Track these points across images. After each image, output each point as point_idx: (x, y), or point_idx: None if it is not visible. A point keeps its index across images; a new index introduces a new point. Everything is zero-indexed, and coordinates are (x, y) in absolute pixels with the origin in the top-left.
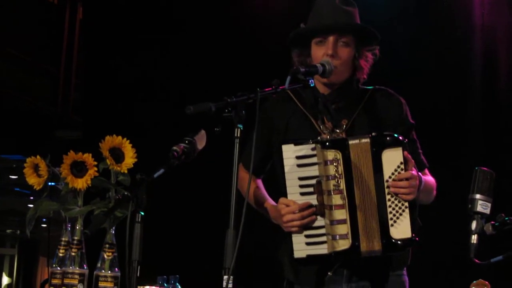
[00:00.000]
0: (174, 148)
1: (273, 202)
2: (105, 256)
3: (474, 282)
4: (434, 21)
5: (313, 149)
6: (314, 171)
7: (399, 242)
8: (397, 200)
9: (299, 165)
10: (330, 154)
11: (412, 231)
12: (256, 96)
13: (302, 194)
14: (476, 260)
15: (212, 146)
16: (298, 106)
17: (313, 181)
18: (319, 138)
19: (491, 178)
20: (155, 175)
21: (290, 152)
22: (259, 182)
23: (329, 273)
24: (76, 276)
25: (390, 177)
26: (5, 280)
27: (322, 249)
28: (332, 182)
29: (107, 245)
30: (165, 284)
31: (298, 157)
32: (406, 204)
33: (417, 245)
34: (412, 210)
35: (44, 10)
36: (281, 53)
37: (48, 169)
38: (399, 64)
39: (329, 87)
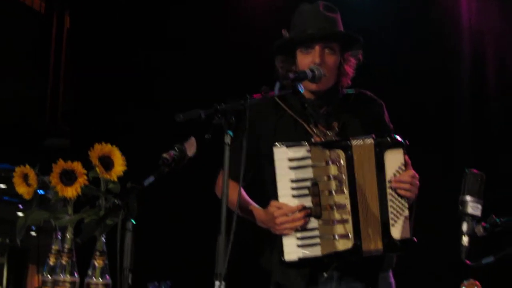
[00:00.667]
0: (164, 155)
1: (257, 206)
2: (96, 264)
3: (465, 282)
4: (422, 25)
5: (308, 151)
6: (307, 173)
7: (399, 242)
8: (398, 200)
9: (291, 168)
10: (333, 154)
11: (411, 231)
12: (246, 103)
13: (295, 196)
14: (467, 261)
15: (202, 153)
16: (286, 111)
17: (306, 183)
18: (313, 140)
19: (481, 180)
20: (145, 183)
21: (282, 155)
22: (240, 188)
23: (324, 274)
24: (67, 284)
25: (392, 177)
26: None
27: (315, 251)
28: (334, 182)
29: (97, 253)
30: None
31: (290, 160)
32: (406, 205)
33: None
34: (411, 211)
35: (31, 19)
36: (270, 60)
37: (38, 178)
38: (387, 67)
39: (315, 93)
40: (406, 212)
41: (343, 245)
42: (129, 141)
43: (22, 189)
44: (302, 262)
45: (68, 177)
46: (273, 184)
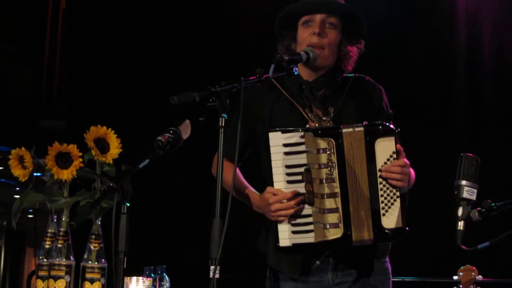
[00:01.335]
0: (159, 138)
1: (254, 190)
2: (92, 247)
3: (462, 267)
4: (418, 5)
5: (302, 136)
6: (302, 159)
7: (390, 231)
8: (389, 189)
9: (286, 153)
10: (323, 143)
11: (403, 221)
12: (240, 85)
13: (289, 182)
14: (463, 247)
15: (196, 136)
16: (282, 93)
17: (301, 169)
18: (307, 126)
19: (476, 164)
20: (140, 166)
21: (277, 140)
22: (238, 171)
23: (317, 262)
24: (63, 268)
25: (382, 166)
26: None
27: (309, 238)
28: (325, 171)
29: (93, 236)
30: (152, 275)
31: (285, 145)
32: (398, 194)
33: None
34: (403, 200)
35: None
36: (265, 42)
37: (33, 161)
38: (382, 48)
39: (314, 71)
40: (398, 201)
41: (333, 234)
42: (124, 123)
43: (18, 172)
44: (296, 248)
45: (63, 160)
46: (268, 169)
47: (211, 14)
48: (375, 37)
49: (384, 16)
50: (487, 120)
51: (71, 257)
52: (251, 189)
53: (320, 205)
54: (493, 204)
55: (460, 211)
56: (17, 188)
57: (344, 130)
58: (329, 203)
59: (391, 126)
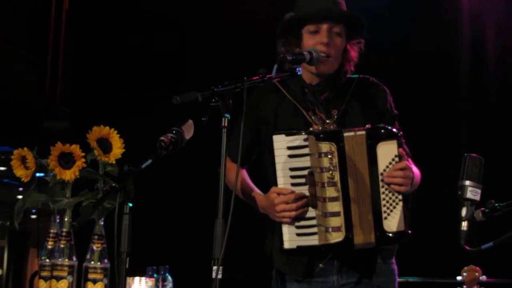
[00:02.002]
0: (162, 138)
1: (259, 192)
2: (94, 248)
3: (465, 268)
4: (421, 5)
5: (305, 139)
6: (306, 162)
7: (392, 235)
8: (391, 193)
9: (290, 156)
10: (325, 146)
11: (405, 224)
12: (243, 85)
13: (294, 184)
14: (467, 247)
15: (199, 136)
16: (286, 96)
17: (305, 172)
18: (311, 129)
19: (480, 164)
20: (143, 166)
21: (281, 143)
22: (244, 172)
23: (320, 265)
24: (66, 268)
25: (384, 170)
26: None
27: (313, 240)
28: (326, 175)
29: (96, 237)
30: (155, 275)
31: (289, 148)
32: (400, 197)
33: (410, 237)
34: (406, 203)
35: (29, 1)
36: (268, 42)
37: (36, 161)
38: (386, 49)
39: (318, 77)
40: (400, 205)
41: (335, 237)
42: (128, 123)
43: (20, 172)
44: (301, 250)
45: (66, 160)
46: (273, 172)
47: (214, 14)
48: (377, 38)
49: (387, 17)
50: (491, 121)
51: (74, 257)
52: (256, 191)
53: (322, 209)
54: (496, 205)
55: (463, 212)
56: (20, 189)
57: (345, 134)
58: (331, 207)
59: (393, 129)
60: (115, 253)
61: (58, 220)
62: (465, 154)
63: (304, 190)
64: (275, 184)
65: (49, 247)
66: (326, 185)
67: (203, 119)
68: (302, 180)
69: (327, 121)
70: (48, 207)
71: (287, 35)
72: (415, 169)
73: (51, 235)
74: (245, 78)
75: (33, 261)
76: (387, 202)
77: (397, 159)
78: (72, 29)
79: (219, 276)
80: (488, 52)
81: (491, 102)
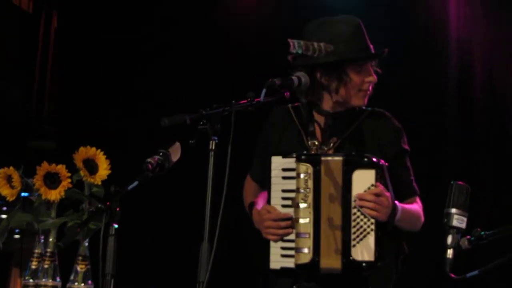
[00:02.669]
0: (148, 160)
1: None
2: (79, 269)
3: None
4: (410, 33)
5: (295, 162)
6: (293, 184)
7: (359, 263)
8: (363, 221)
9: (284, 177)
10: (302, 167)
11: (375, 254)
12: (231, 109)
13: (284, 206)
14: (452, 275)
15: (186, 159)
16: (293, 121)
17: (292, 194)
18: (303, 152)
19: (467, 192)
20: (129, 188)
21: (278, 164)
22: (265, 193)
23: (294, 287)
24: None
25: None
26: None
27: (292, 263)
28: (301, 196)
29: (80, 258)
30: None
31: (284, 170)
32: (373, 226)
33: (376, 269)
34: (379, 232)
35: (19, 19)
36: (259, 64)
37: (21, 180)
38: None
39: (340, 106)
40: (372, 234)
41: (302, 258)
42: (114, 144)
43: (5, 191)
44: (284, 271)
45: (52, 180)
46: (269, 191)
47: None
48: None
49: (374, 39)
50: (478, 149)
51: (58, 278)
52: (258, 206)
53: (296, 229)
54: (482, 233)
55: (449, 239)
56: (4, 208)
57: (323, 158)
58: (303, 228)
59: (373, 159)
60: (100, 275)
61: (42, 240)
62: (452, 182)
63: (291, 212)
64: (269, 203)
65: (33, 267)
66: (300, 205)
67: (190, 141)
68: (290, 202)
69: (324, 147)
70: (32, 227)
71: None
72: (416, 207)
73: (35, 255)
74: (233, 101)
75: (15, 282)
76: (358, 230)
77: (373, 188)
78: (60, 48)
79: None
80: (476, 79)
81: (479, 131)
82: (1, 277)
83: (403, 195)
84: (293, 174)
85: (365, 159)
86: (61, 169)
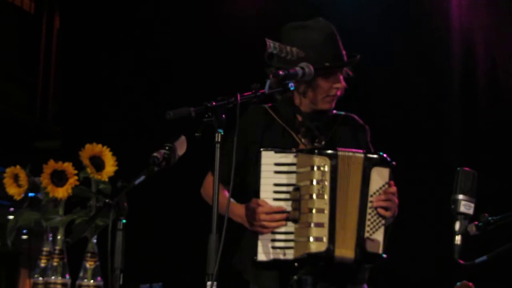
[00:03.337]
0: (155, 154)
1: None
2: (87, 265)
3: (458, 284)
4: (412, 23)
5: (295, 156)
6: (291, 179)
7: (370, 255)
8: (376, 215)
9: (276, 172)
10: (318, 160)
11: (383, 248)
12: (236, 101)
13: (275, 199)
14: (461, 261)
15: (192, 151)
16: (275, 120)
17: (288, 188)
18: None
19: (473, 178)
20: (136, 182)
21: (269, 159)
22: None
23: (294, 277)
24: (59, 286)
25: (374, 193)
26: None
27: (288, 255)
28: (317, 187)
29: (89, 254)
30: None
31: (276, 164)
32: (383, 222)
33: (383, 262)
34: (386, 229)
35: (21, 19)
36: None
37: (28, 179)
38: (378, 66)
39: (316, 113)
40: (382, 229)
41: (316, 247)
42: (120, 140)
43: (13, 190)
44: (273, 263)
45: (59, 178)
46: (255, 186)
47: (209, 29)
48: (368, 56)
49: (378, 35)
50: (483, 136)
51: (67, 275)
52: (233, 201)
53: (307, 219)
54: (490, 218)
55: (457, 226)
56: (11, 209)
57: (340, 153)
58: (317, 218)
59: (388, 158)
60: (108, 270)
61: (51, 238)
62: (458, 168)
63: (285, 205)
64: (257, 197)
65: (42, 265)
66: (315, 196)
67: (196, 134)
68: (284, 196)
69: (316, 144)
70: (39, 227)
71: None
72: None
73: (44, 253)
74: (238, 93)
75: (24, 282)
76: (372, 223)
77: (387, 186)
78: (63, 48)
79: None
80: (479, 68)
81: (483, 118)
82: (10, 277)
83: None
84: (289, 168)
85: (381, 157)
86: (68, 166)
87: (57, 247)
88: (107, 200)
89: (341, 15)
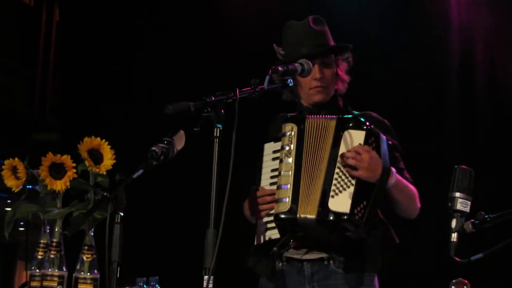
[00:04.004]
0: (153, 148)
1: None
2: (84, 258)
3: (454, 281)
4: (411, 21)
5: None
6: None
7: (334, 214)
8: (344, 176)
9: (274, 159)
10: (288, 127)
11: (351, 207)
12: (235, 96)
13: (271, 184)
14: (456, 258)
15: (191, 146)
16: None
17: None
18: None
19: (470, 176)
20: (134, 176)
21: (269, 149)
22: None
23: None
24: (55, 278)
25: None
26: None
27: (276, 234)
28: (284, 152)
29: (86, 247)
30: (145, 286)
31: (274, 151)
32: (353, 181)
33: (354, 225)
34: (360, 189)
35: (20, 12)
36: (260, 52)
37: (27, 171)
38: (376, 64)
39: (316, 105)
40: (352, 188)
41: (281, 208)
42: (118, 134)
43: (11, 182)
44: (267, 244)
45: (57, 170)
46: (259, 177)
47: (209, 23)
48: (367, 56)
49: (377, 33)
50: (481, 135)
51: (64, 267)
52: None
53: (278, 182)
54: (486, 216)
55: (453, 223)
56: (9, 201)
57: (309, 119)
58: (282, 180)
59: (367, 123)
60: (106, 263)
61: (48, 231)
62: (455, 166)
63: None
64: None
65: (39, 257)
66: (283, 160)
67: (195, 129)
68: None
69: None
70: (36, 219)
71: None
72: (411, 186)
73: (41, 245)
74: (237, 88)
75: (20, 274)
76: (339, 182)
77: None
78: (63, 41)
79: (210, 286)
80: (477, 66)
81: (481, 117)
82: (7, 269)
83: None
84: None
85: (355, 121)
86: (66, 159)
87: (55, 240)
88: (105, 193)
89: (341, 14)
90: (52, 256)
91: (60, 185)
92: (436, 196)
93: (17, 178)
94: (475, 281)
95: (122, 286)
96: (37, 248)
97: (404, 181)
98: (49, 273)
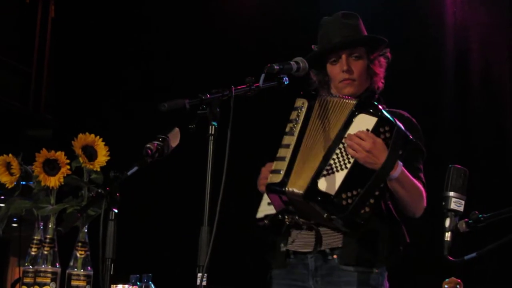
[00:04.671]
0: (148, 145)
1: None
2: (78, 255)
3: (447, 280)
4: (406, 21)
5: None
6: None
7: (319, 193)
8: (343, 157)
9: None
10: (298, 102)
11: (338, 190)
12: (230, 93)
13: None
14: (450, 257)
15: (186, 143)
16: None
17: None
18: None
19: (464, 175)
20: (129, 173)
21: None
22: None
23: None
24: (49, 275)
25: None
26: None
27: (272, 209)
28: (290, 125)
29: (79, 244)
30: (138, 283)
31: None
32: (348, 165)
33: (336, 209)
34: (355, 174)
35: (16, 8)
36: (257, 50)
37: (21, 167)
38: None
39: (341, 94)
40: (345, 171)
41: (274, 178)
42: (113, 130)
43: (4, 178)
44: (266, 219)
45: (51, 167)
46: None
47: (205, 20)
48: None
49: (371, 26)
50: (474, 135)
51: (57, 264)
52: None
53: (277, 154)
54: (480, 216)
55: (447, 222)
56: (2, 197)
57: (323, 96)
58: (282, 152)
59: (383, 111)
60: (100, 259)
61: (42, 227)
62: (450, 166)
63: None
64: None
65: (33, 253)
66: (286, 134)
67: (190, 126)
68: None
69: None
70: (30, 215)
71: (314, 67)
72: (420, 184)
73: (34, 241)
74: (233, 86)
75: (13, 270)
76: (335, 163)
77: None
78: (58, 38)
79: (204, 284)
80: (472, 66)
81: (475, 116)
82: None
83: None
84: None
85: (371, 106)
86: (60, 155)
87: (48, 236)
88: (99, 190)
89: (336, 10)
90: (45, 252)
91: (54, 182)
92: (430, 195)
93: (11, 174)
94: (468, 280)
95: (115, 283)
96: (31, 244)
97: (410, 177)
98: (43, 269)
